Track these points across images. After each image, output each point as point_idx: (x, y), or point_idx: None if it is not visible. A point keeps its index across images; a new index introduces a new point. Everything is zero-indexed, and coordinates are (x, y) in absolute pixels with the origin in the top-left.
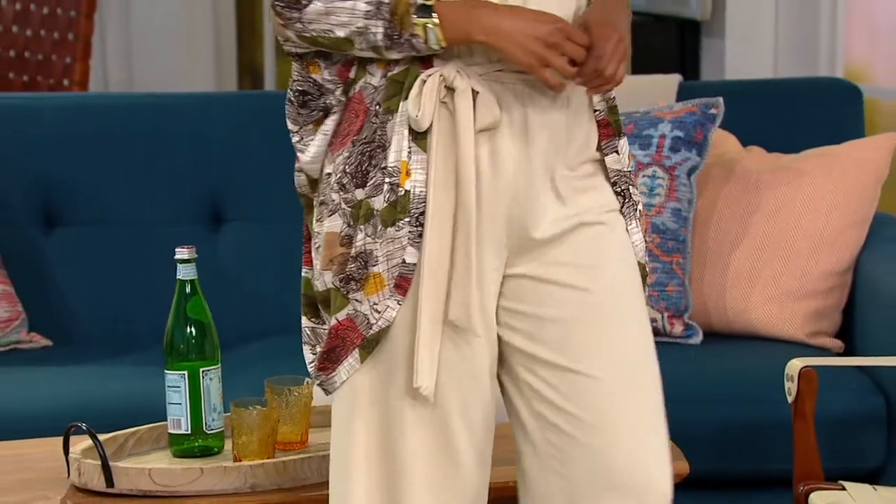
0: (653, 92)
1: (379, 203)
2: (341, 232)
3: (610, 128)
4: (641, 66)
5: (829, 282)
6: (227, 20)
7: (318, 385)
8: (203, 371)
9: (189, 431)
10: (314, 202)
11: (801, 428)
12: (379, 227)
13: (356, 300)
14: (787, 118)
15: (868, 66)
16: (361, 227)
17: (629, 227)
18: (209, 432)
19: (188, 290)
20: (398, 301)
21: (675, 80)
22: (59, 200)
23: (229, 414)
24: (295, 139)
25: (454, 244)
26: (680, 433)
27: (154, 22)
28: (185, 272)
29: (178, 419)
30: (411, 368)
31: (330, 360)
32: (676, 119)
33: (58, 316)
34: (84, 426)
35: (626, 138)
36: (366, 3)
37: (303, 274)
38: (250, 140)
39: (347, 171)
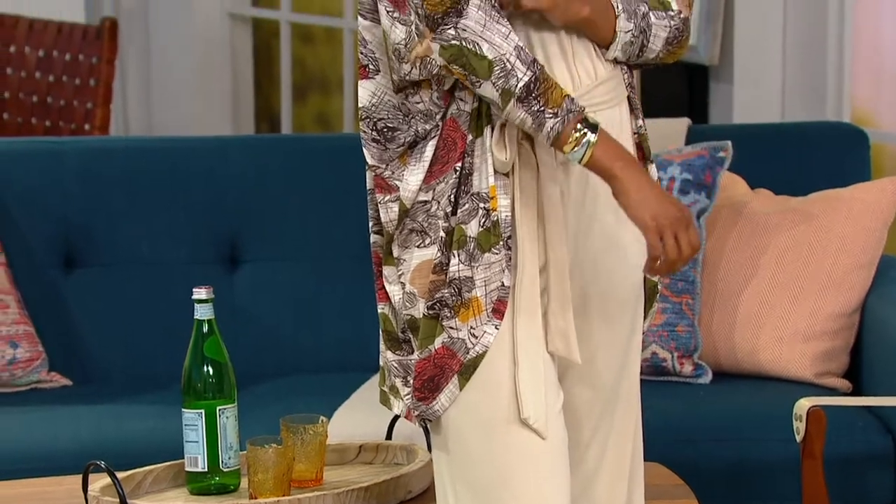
0: (663, 135)
1: (473, 229)
2: (434, 259)
3: (641, 151)
4: (651, 110)
5: (837, 323)
6: (244, 66)
7: (417, 416)
8: (220, 409)
9: (206, 469)
10: (398, 231)
11: (809, 467)
12: (475, 253)
13: (451, 327)
14: (795, 161)
15: (874, 110)
16: (455, 253)
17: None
18: (226, 470)
19: (205, 329)
20: (496, 326)
21: (684, 123)
22: (80, 242)
23: (245, 452)
24: (386, 174)
25: (548, 274)
26: (690, 472)
27: (173, 67)
28: (203, 312)
29: (195, 457)
30: (514, 395)
31: (429, 388)
32: (686, 162)
33: (78, 355)
34: (102, 464)
35: (654, 164)
36: (519, 40)
37: (379, 310)
38: (266, 182)
39: (452, 199)
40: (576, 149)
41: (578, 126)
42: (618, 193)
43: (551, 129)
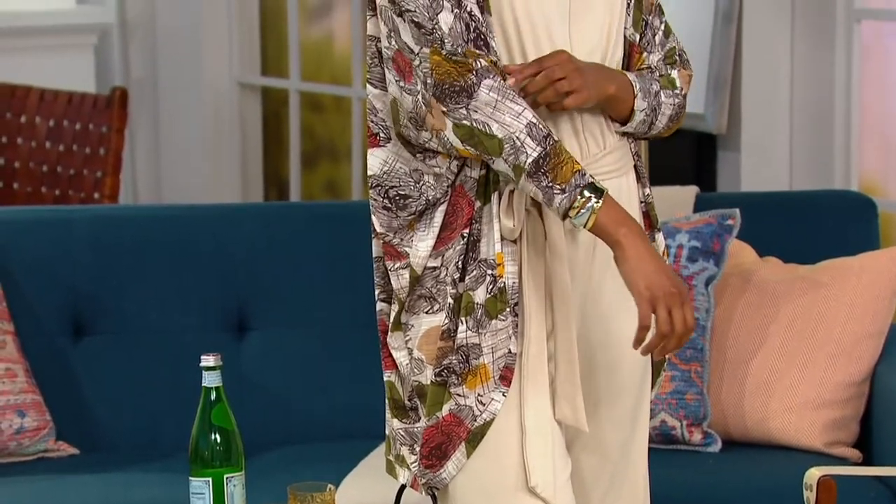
0: (671, 203)
1: (481, 295)
2: (442, 325)
3: (648, 220)
4: (659, 178)
5: (847, 392)
6: (254, 134)
7: (424, 484)
8: (227, 478)
9: None
10: (407, 298)
11: None
12: (483, 320)
13: (459, 394)
14: (803, 230)
15: (882, 179)
16: (463, 319)
17: None
18: None
19: (213, 397)
20: (503, 393)
21: (692, 191)
22: (88, 310)
23: None
24: (395, 241)
25: (555, 341)
26: None
27: (183, 136)
28: (211, 380)
29: None
30: (522, 463)
31: (437, 456)
32: (694, 230)
33: (85, 424)
34: None
35: (661, 232)
36: (532, 116)
37: (385, 378)
38: (275, 249)
39: (459, 265)
40: (581, 212)
41: (584, 192)
42: (618, 260)
43: (559, 204)
